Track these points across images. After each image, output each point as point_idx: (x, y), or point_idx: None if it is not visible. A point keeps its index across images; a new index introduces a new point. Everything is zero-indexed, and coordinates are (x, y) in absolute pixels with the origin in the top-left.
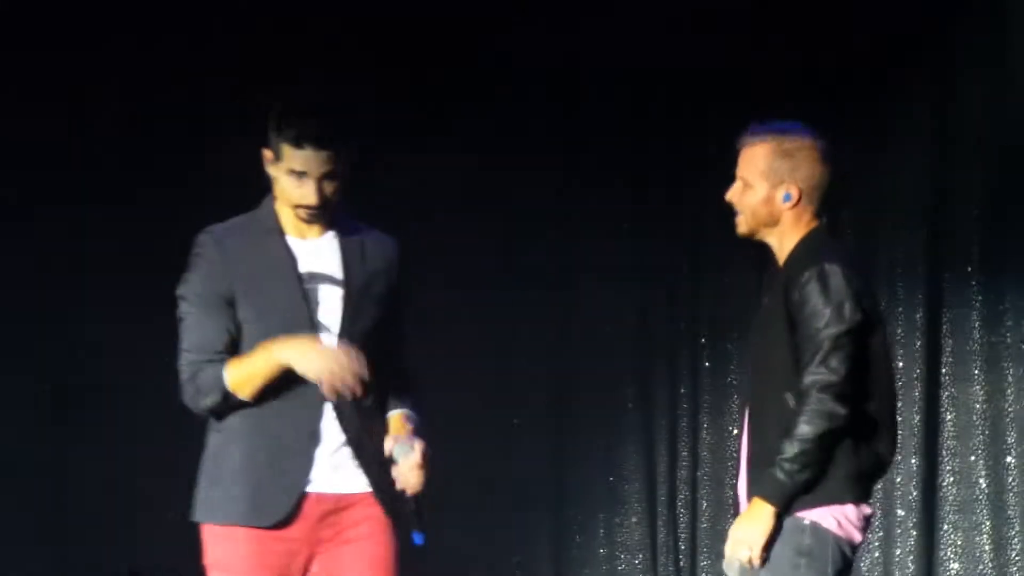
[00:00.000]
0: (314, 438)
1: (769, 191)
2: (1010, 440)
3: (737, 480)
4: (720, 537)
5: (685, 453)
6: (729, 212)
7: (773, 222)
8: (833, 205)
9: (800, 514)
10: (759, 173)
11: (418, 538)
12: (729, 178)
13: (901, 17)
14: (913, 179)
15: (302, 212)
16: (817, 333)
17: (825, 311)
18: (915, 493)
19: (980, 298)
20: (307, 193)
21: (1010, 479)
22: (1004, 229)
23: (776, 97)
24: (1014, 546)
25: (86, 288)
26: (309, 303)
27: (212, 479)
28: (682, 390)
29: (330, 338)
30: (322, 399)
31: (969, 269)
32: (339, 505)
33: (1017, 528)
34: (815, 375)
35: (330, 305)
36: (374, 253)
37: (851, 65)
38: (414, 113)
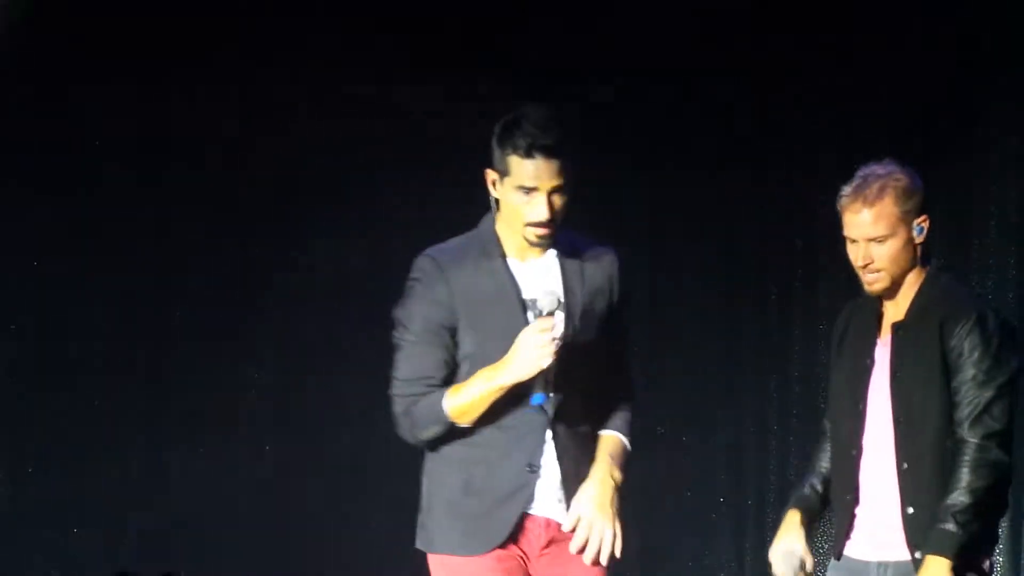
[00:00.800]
0: (535, 470)
1: (907, 234)
2: None
3: (849, 518)
4: None
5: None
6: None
7: (914, 263)
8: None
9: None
10: (894, 221)
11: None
12: None
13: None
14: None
15: (531, 232)
16: (979, 382)
17: (986, 359)
18: None
19: None
20: (538, 208)
21: None
22: None
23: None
24: None
25: None
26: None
27: (428, 508)
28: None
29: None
30: (542, 428)
31: None
32: (561, 535)
33: None
34: (981, 425)
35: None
36: (594, 270)
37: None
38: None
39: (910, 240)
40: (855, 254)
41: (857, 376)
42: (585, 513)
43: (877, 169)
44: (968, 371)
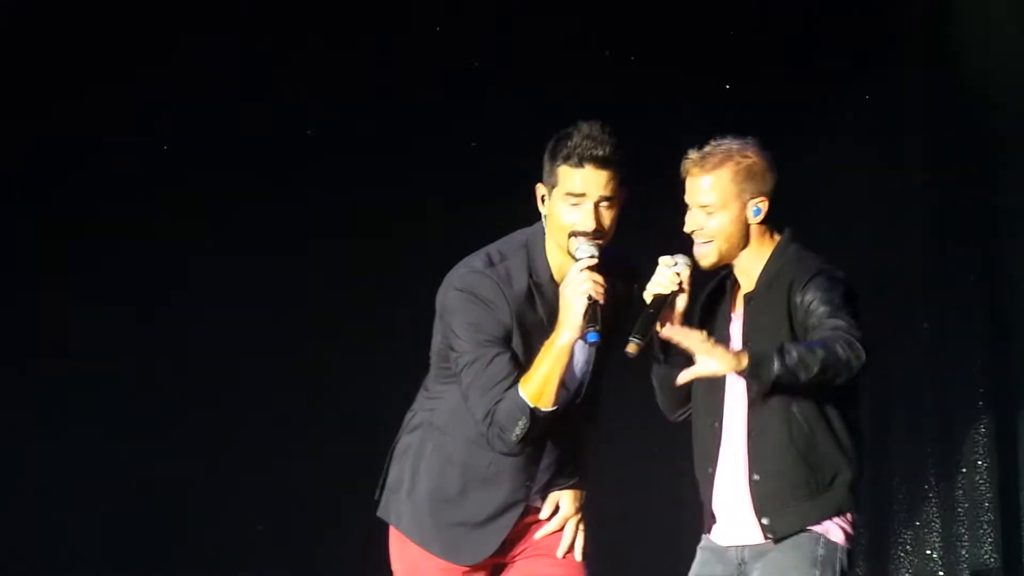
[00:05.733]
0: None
1: (739, 211)
2: None
3: (710, 489)
4: None
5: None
6: (688, 243)
7: (745, 242)
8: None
9: (811, 528)
10: (729, 195)
11: (592, 336)
12: None
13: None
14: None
15: (573, 244)
16: (832, 303)
17: (837, 296)
18: None
19: None
20: (585, 217)
21: None
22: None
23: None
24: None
25: None
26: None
27: (411, 489)
28: None
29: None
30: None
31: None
32: (533, 519)
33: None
34: (840, 322)
35: (584, 356)
36: (621, 287)
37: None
38: None
39: (742, 218)
40: (688, 220)
41: None
42: (563, 503)
43: (731, 142)
44: (818, 305)
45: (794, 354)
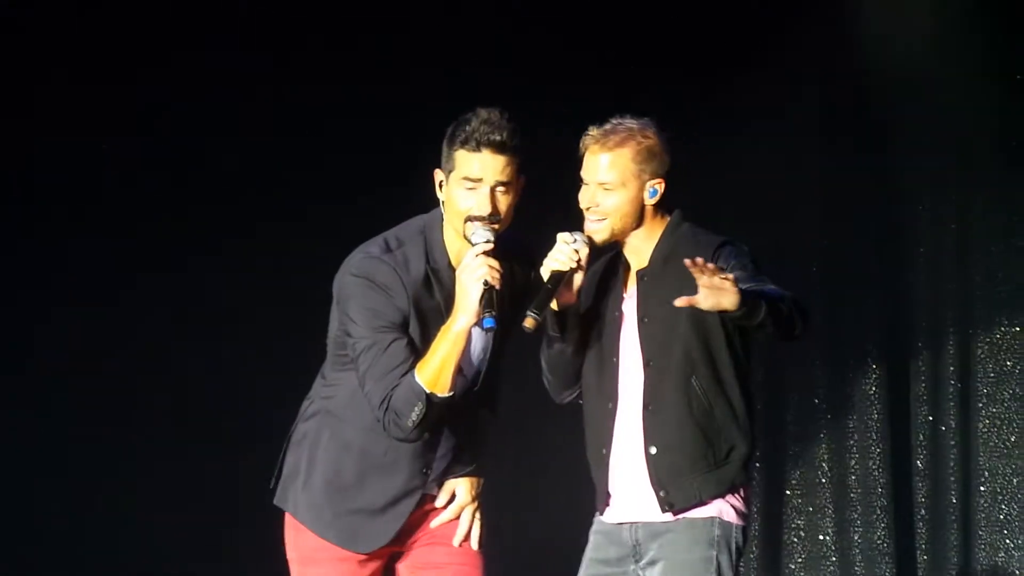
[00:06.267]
0: (427, 473)
1: (636, 191)
2: None
3: (605, 469)
4: None
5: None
6: (579, 217)
7: (639, 222)
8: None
9: (705, 509)
10: (627, 175)
11: (488, 321)
12: None
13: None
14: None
15: (469, 228)
16: (747, 269)
17: (749, 262)
18: None
19: None
20: (480, 201)
21: None
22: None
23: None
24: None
25: None
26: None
27: (307, 478)
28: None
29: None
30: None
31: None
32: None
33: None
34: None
35: (481, 344)
36: (520, 271)
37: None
38: None
39: (639, 198)
40: (583, 196)
41: (607, 330)
42: (459, 491)
43: (630, 121)
44: (737, 274)
45: (772, 296)
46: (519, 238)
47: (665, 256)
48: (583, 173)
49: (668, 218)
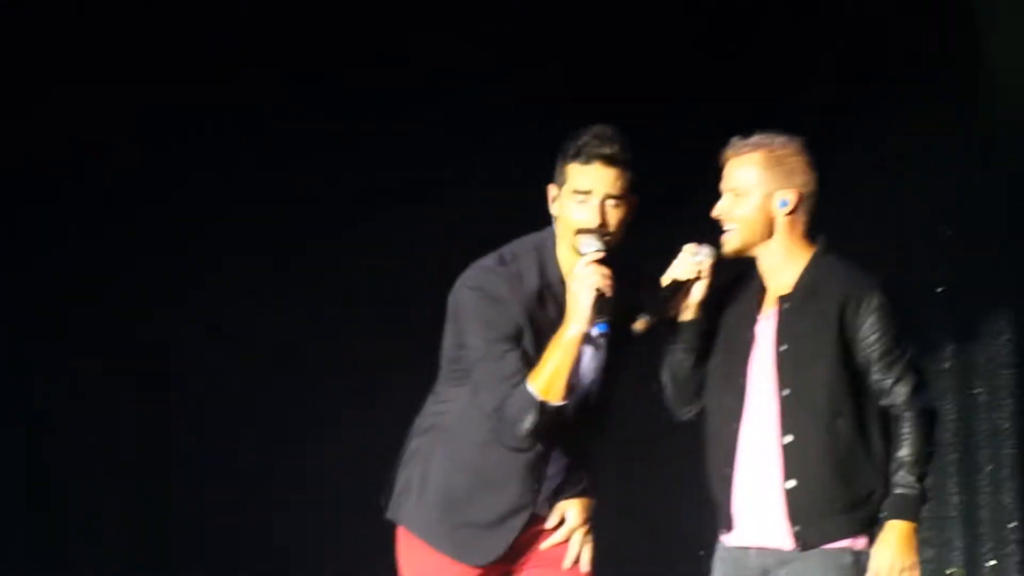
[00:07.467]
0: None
1: (764, 199)
2: None
3: (728, 491)
4: None
5: None
6: (717, 230)
7: (768, 233)
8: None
9: (848, 543)
10: (756, 181)
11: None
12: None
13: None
14: None
15: (580, 240)
16: (896, 348)
17: (895, 330)
18: None
19: None
20: (590, 214)
21: None
22: None
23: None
24: None
25: None
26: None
27: (420, 491)
28: None
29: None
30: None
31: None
32: (540, 527)
33: None
34: (909, 379)
35: (593, 363)
36: (625, 291)
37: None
38: None
39: (767, 207)
40: (717, 205)
41: (737, 349)
42: (569, 514)
43: (775, 136)
44: (883, 342)
45: (916, 493)
46: (630, 261)
47: (811, 286)
48: (721, 184)
49: (811, 244)
